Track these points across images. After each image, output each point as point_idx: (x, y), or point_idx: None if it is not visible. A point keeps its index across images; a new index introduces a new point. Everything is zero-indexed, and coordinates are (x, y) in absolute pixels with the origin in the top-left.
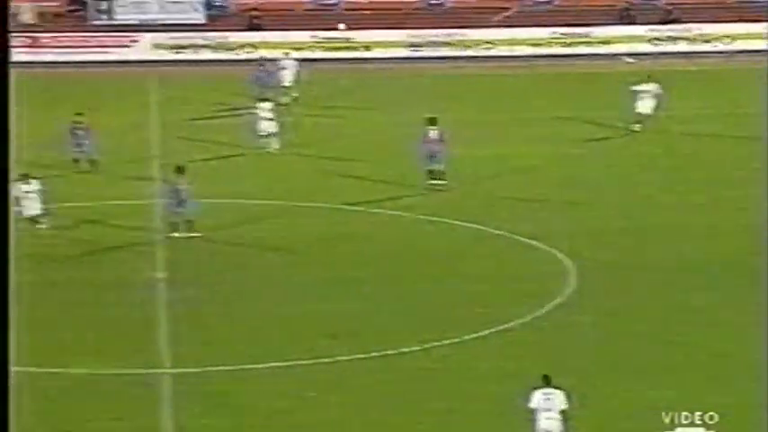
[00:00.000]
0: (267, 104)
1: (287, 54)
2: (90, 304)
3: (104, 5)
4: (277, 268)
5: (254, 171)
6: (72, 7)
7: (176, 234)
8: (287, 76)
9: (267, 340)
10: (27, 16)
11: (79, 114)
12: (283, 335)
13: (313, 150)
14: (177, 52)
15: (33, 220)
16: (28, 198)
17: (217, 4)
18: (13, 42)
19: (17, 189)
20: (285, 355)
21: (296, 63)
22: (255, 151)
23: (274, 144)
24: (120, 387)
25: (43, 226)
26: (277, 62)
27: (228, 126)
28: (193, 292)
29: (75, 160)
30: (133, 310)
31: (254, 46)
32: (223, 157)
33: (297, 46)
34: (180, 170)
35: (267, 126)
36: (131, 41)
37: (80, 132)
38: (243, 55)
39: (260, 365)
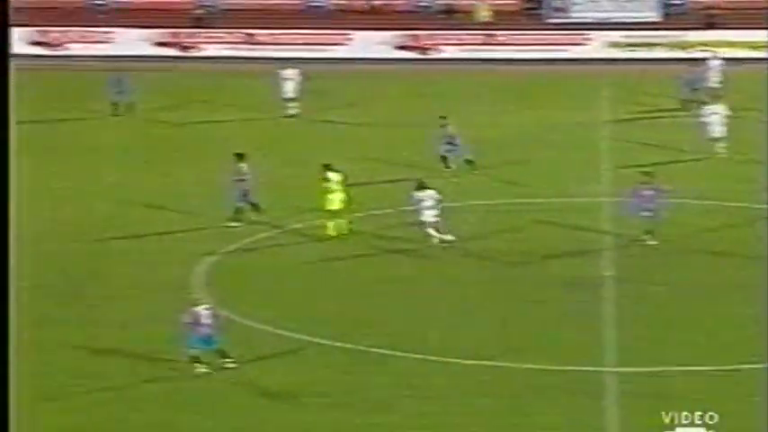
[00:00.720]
0: (716, 107)
1: (716, 54)
2: (540, 302)
3: (560, 3)
4: (725, 270)
5: (705, 174)
6: (528, 5)
7: (644, 238)
8: (715, 77)
9: (716, 343)
10: (484, 14)
11: (443, 117)
12: (730, 339)
13: (752, 154)
14: (631, 50)
15: (431, 225)
16: (425, 204)
17: (673, 2)
18: (470, 39)
19: (415, 196)
20: (737, 358)
21: (723, 63)
22: (704, 154)
23: (721, 147)
24: (565, 384)
25: (445, 236)
26: (706, 62)
27: (673, 126)
28: (641, 292)
29: (443, 158)
30: (581, 308)
31: (709, 45)
32: (673, 162)
33: (754, 45)
34: (648, 174)
35: (715, 129)
36: (585, 39)
37: (446, 133)
38: (697, 54)
39: (710, 367)
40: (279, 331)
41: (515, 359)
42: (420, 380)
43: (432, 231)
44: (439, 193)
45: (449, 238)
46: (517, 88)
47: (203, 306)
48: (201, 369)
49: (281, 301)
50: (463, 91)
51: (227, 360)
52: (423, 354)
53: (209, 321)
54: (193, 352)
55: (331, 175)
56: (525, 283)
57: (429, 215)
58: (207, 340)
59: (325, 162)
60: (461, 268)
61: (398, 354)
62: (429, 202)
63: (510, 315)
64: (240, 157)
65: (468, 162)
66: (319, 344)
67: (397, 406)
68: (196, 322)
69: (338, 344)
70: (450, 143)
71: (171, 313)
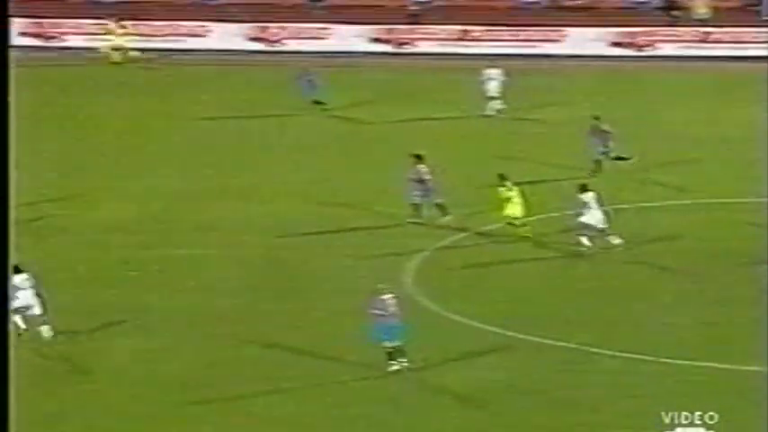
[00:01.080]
0: None
1: None
2: (749, 304)
3: None
4: None
5: None
6: (747, 2)
7: None
8: None
9: None
10: (702, 11)
11: (596, 118)
12: None
13: None
14: None
15: (596, 228)
16: (589, 209)
17: None
18: (687, 36)
19: (580, 198)
20: None
21: None
22: None
23: None
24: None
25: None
26: None
27: None
28: None
29: (597, 162)
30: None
31: None
32: None
33: None
34: None
35: None
36: None
37: (602, 133)
38: None
39: None
40: (489, 328)
41: (724, 360)
42: (630, 379)
43: (602, 234)
44: (598, 195)
45: (617, 241)
46: (733, 86)
47: (388, 295)
48: (393, 366)
49: (485, 300)
50: (678, 89)
51: (404, 360)
52: (632, 353)
53: (393, 310)
54: (382, 345)
55: (507, 184)
56: (732, 283)
57: (591, 218)
58: (390, 331)
59: (505, 165)
60: (659, 268)
61: (607, 353)
62: (592, 204)
63: (717, 315)
64: (419, 158)
65: (619, 159)
66: (530, 341)
67: (607, 405)
68: (382, 311)
69: (548, 341)
70: (602, 144)
71: (365, 311)
